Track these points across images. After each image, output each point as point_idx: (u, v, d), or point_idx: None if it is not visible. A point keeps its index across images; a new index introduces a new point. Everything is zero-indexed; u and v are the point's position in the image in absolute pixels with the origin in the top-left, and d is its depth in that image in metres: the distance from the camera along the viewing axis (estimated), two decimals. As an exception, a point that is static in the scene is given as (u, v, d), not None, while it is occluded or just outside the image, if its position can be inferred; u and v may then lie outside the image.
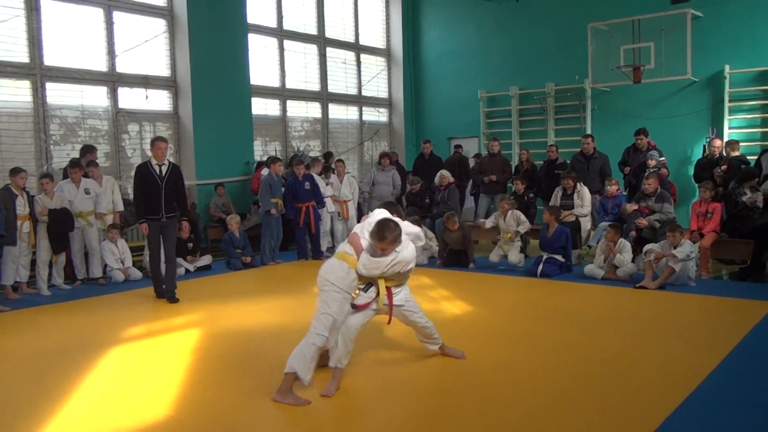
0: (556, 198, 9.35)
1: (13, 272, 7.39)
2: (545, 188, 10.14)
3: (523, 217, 8.82)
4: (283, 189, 9.66)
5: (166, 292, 7.09)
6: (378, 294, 4.19)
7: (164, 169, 7.00)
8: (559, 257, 8.25)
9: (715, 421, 3.59)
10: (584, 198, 9.18)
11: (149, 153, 10.08)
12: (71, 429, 3.67)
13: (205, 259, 9.34)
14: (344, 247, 4.38)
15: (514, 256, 8.68)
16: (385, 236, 4.03)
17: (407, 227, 4.38)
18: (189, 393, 4.23)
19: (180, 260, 8.86)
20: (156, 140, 7.02)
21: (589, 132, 11.49)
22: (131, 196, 8.88)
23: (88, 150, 8.97)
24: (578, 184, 9.22)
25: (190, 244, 9.23)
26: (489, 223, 9.18)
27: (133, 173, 8.59)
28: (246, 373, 4.62)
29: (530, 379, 4.34)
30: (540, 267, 8.19)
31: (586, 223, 9.24)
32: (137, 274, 8.57)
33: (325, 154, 12.43)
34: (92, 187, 8.22)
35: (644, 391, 4.01)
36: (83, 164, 8.48)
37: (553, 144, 11.13)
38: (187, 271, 8.92)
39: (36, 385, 4.47)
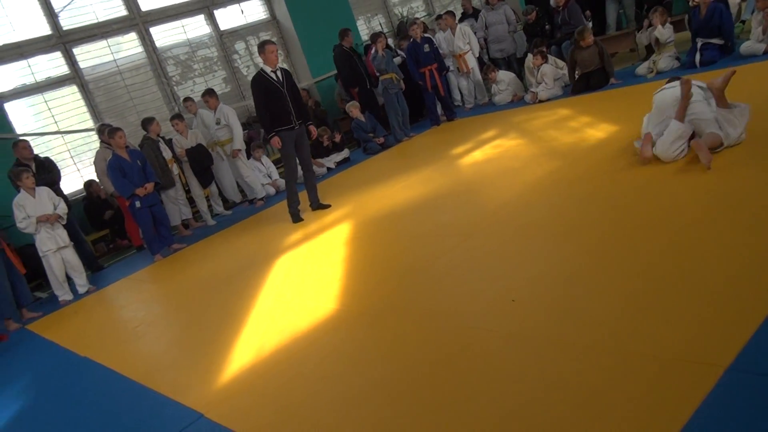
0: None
1: (177, 212, 8.00)
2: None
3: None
4: (392, 63, 9.32)
5: (312, 203, 6.97)
6: None
7: (279, 74, 6.55)
8: (716, 40, 7.31)
9: None
10: (727, -33, 7.93)
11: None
12: (259, 335, 3.99)
13: (343, 153, 9.48)
14: None
15: (666, 62, 7.81)
16: None
17: None
18: (348, 284, 4.40)
19: (321, 160, 9.11)
20: (265, 44, 6.48)
21: None
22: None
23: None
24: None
25: (329, 143, 9.36)
26: (645, 38, 8.24)
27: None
28: (395, 253, 4.70)
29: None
30: (698, 56, 7.33)
31: (734, -3, 8.05)
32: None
33: (398, 24, 11.77)
34: (223, 116, 8.31)
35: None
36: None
37: None
38: (328, 169, 9.15)
39: (221, 305, 4.89)
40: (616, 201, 4.23)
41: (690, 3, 7.69)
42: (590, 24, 9.63)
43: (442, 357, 3.00)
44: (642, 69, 8.07)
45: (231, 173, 8.56)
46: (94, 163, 7.94)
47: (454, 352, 3.00)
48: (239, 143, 8.27)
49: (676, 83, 4.72)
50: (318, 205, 6.97)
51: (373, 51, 9.32)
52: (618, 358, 2.51)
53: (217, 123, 8.29)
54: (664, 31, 7.84)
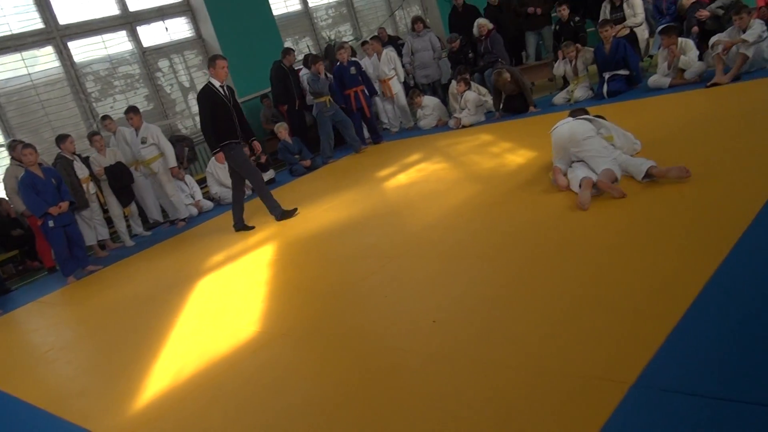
0: (605, 13, 8.67)
1: (92, 233, 7.70)
2: (591, 6, 9.37)
3: (590, 54, 8.26)
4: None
5: (236, 223, 6.87)
6: None
7: (226, 90, 6.53)
8: (623, 71, 7.75)
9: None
10: (635, 6, 8.46)
11: (186, 85, 10.02)
12: (177, 360, 3.87)
13: (268, 174, 9.40)
14: None
15: (582, 92, 8.20)
16: None
17: None
18: (270, 305, 4.36)
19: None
20: (216, 58, 6.44)
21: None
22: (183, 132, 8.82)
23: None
24: (625, -7, 8.46)
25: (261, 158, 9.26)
26: (560, 69, 8.62)
27: (170, 115, 8.56)
28: (319, 275, 4.70)
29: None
30: (605, 87, 7.73)
31: (642, 33, 8.58)
32: (209, 204, 8.79)
33: (326, 47, 11.92)
34: (150, 135, 8.04)
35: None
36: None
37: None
38: (252, 190, 9.04)
39: (138, 329, 4.72)
40: (535, 224, 4.38)
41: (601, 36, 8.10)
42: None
43: (365, 378, 3.01)
44: (558, 98, 8.44)
45: (153, 192, 8.32)
46: (3, 180, 7.56)
47: (377, 373, 3.01)
48: (173, 161, 8.07)
49: (569, 119, 4.96)
50: (242, 226, 6.87)
51: (310, 72, 9.34)
52: (535, 376, 2.59)
53: (143, 142, 8.05)
54: (581, 64, 8.26)
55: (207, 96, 6.45)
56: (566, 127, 4.89)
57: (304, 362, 3.42)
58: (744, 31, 6.50)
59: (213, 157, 8.91)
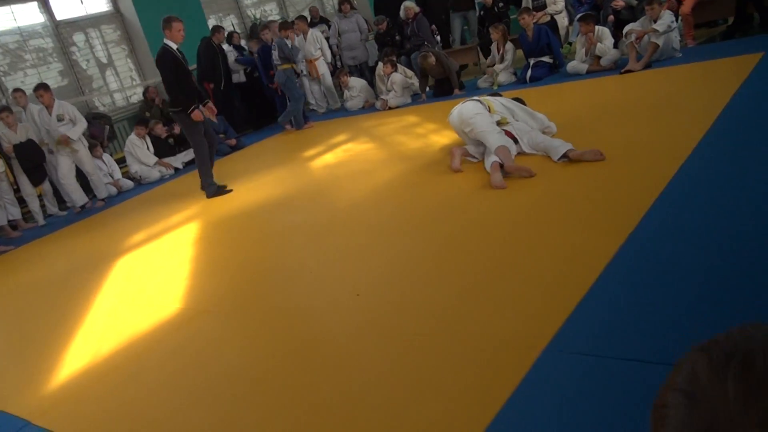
0: (528, 1, 8.87)
1: (2, 212, 7.33)
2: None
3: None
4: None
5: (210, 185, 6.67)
6: None
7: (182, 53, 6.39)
8: (546, 58, 8.01)
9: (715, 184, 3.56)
10: (555, -6, 8.71)
11: (103, 61, 9.63)
12: (95, 338, 3.78)
13: (191, 153, 9.19)
14: None
15: (505, 76, 8.40)
16: None
17: None
18: (194, 283, 4.31)
19: (168, 160, 8.79)
20: (171, 20, 6.25)
21: None
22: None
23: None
24: (546, -19, 8.71)
25: (171, 140, 9.07)
26: (500, 68, 8.68)
27: (86, 92, 8.21)
28: (245, 252, 4.67)
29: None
30: (529, 72, 7.96)
31: (562, 20, 8.85)
32: (129, 184, 8.54)
33: (251, 26, 11.77)
34: (65, 112, 7.64)
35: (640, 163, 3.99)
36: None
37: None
38: (176, 169, 8.85)
39: (54, 308, 4.57)
40: (456, 201, 4.50)
41: (520, 23, 8.30)
42: (438, 38, 10.12)
43: (289, 350, 3.03)
44: (483, 82, 8.62)
45: (72, 172, 7.92)
46: None
47: (302, 345, 3.04)
48: (75, 135, 7.64)
49: (458, 105, 5.14)
50: (215, 190, 6.64)
51: (278, 38, 9.17)
52: (453, 343, 2.68)
53: (60, 119, 7.62)
54: (508, 50, 8.45)
55: (167, 59, 6.26)
56: (456, 110, 5.12)
57: (229, 337, 3.41)
58: (655, 21, 6.83)
59: (131, 135, 8.68)
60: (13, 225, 7.54)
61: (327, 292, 3.59)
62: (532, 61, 8.08)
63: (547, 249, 3.34)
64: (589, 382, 2.22)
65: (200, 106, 6.44)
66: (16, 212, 7.58)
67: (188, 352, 3.30)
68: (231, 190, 6.63)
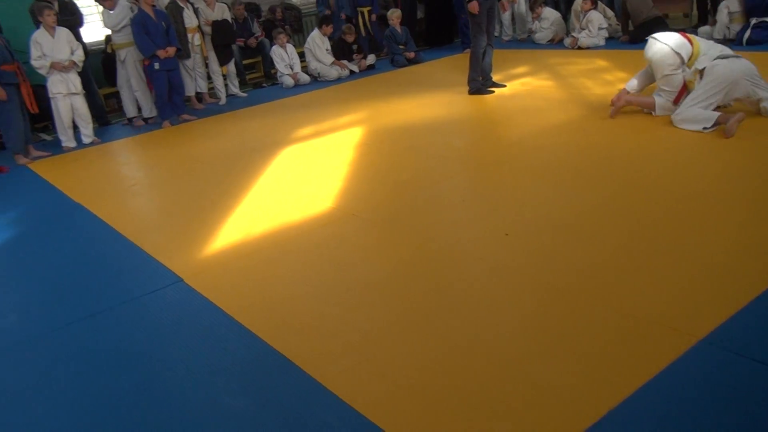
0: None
1: (193, 83, 7.86)
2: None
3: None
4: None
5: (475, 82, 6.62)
6: None
7: None
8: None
9: None
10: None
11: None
12: (250, 218, 4.00)
13: (370, 59, 9.25)
14: None
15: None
16: None
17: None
18: (348, 186, 4.38)
19: (345, 61, 8.91)
20: None
21: None
22: None
23: None
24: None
25: (355, 46, 9.14)
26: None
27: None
28: (400, 166, 4.66)
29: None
30: (747, 33, 7.04)
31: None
32: (306, 78, 8.77)
33: None
34: None
35: None
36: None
37: None
38: (351, 72, 8.95)
39: (219, 182, 4.88)
40: (634, 155, 4.16)
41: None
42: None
43: (425, 274, 3.00)
44: (702, 32, 7.67)
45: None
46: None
47: (440, 270, 3.01)
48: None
49: (722, 58, 4.49)
50: (478, 87, 6.65)
51: None
52: (599, 308, 2.50)
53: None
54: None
55: None
56: (742, 62, 4.44)
57: (371, 245, 3.45)
58: None
59: (313, 32, 8.84)
60: (199, 97, 8.08)
61: (476, 223, 3.50)
62: (753, 21, 7.09)
63: (730, 230, 2.99)
64: (736, 386, 2.00)
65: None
66: (203, 86, 8.09)
67: (329, 250, 3.39)
68: (493, 91, 6.59)
